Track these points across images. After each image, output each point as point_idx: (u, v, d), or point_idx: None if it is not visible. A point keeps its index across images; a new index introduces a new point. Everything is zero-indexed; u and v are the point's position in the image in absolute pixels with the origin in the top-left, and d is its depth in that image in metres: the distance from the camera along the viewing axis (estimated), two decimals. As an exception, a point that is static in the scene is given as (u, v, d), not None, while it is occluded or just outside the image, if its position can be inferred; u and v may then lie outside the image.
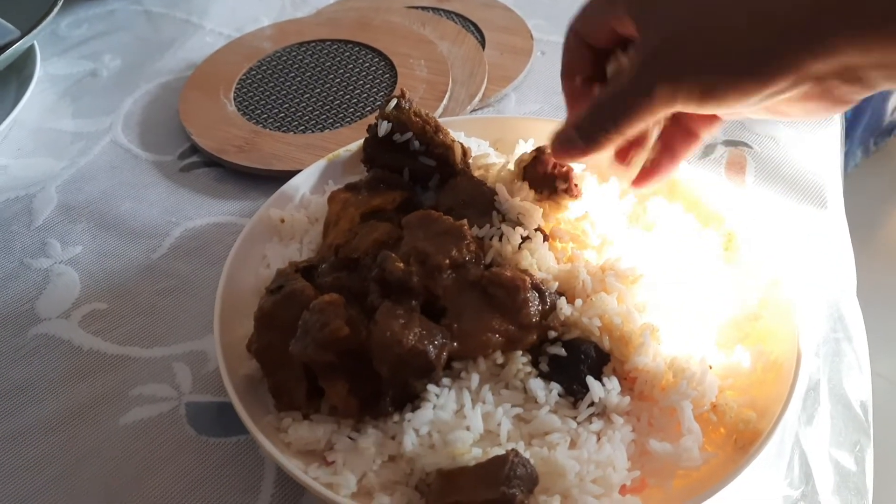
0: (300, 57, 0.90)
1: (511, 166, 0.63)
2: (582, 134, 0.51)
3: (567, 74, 0.55)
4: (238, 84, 0.86)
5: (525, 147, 0.67)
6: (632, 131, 0.48)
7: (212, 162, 0.78)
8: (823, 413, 0.57)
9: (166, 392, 0.59)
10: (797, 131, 0.79)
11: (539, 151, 0.61)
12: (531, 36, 0.92)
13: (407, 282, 0.52)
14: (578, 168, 0.61)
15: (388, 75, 0.86)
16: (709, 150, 0.77)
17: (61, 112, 0.86)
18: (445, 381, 0.51)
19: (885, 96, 1.82)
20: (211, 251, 0.69)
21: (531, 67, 0.88)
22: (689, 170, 0.65)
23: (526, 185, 0.60)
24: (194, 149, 0.80)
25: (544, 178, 0.60)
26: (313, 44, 0.92)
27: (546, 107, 0.85)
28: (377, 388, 0.51)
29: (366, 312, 0.53)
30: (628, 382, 0.52)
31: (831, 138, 0.80)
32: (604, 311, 0.52)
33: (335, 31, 0.93)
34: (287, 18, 0.99)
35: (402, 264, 0.53)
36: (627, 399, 0.50)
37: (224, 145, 0.78)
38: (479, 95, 0.83)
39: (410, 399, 0.51)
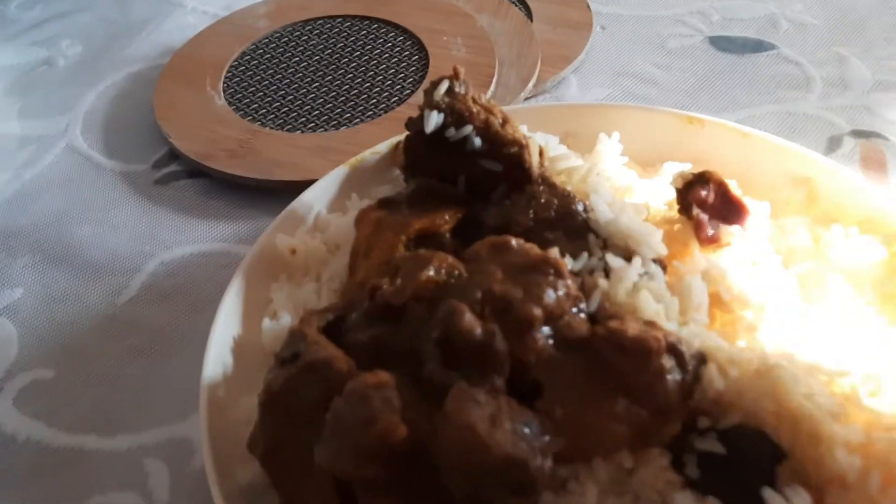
0: (304, 37, 0.80)
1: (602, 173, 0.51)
2: None
3: None
4: (228, 72, 0.77)
5: (609, 142, 0.55)
6: None
7: (196, 171, 0.69)
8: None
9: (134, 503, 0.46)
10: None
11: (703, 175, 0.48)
12: (588, 7, 0.81)
13: (488, 348, 0.38)
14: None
15: (416, 57, 0.76)
16: (834, 142, 0.65)
17: (6, 111, 0.79)
18: (547, 496, 0.38)
19: None
20: (196, 293, 0.58)
21: (591, 45, 0.77)
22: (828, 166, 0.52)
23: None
24: (173, 155, 0.71)
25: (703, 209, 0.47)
26: (320, 21, 0.82)
27: (616, 91, 0.73)
28: (445, 510, 0.38)
29: (421, 389, 0.39)
30: (818, 493, 0.38)
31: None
32: (777, 382, 0.38)
33: (346, 4, 0.83)
34: (286, -8, 0.88)
35: (477, 320, 0.39)
36: (824, 522, 0.37)
37: (212, 149, 0.68)
38: (533, 80, 0.72)
39: (496, 526, 0.38)
